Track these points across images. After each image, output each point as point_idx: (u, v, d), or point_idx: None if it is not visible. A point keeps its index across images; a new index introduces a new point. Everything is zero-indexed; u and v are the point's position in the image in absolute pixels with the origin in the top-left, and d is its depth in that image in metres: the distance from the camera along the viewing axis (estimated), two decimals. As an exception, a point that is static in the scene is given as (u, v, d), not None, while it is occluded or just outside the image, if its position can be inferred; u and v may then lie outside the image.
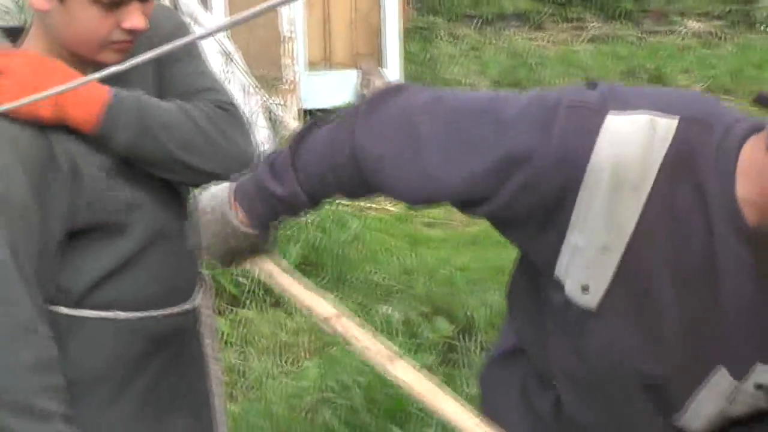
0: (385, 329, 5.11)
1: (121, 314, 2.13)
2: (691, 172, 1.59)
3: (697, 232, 1.61)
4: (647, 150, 1.55)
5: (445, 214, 7.34)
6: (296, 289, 2.05)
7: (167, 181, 2.16)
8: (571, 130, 1.60)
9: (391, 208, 7.53)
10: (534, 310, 1.85)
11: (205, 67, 2.19)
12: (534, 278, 1.81)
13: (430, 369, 4.69)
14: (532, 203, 1.62)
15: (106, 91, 1.97)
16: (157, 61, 2.12)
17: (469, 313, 5.35)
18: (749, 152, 1.56)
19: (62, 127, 1.96)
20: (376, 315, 5.37)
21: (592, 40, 13.25)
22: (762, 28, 13.92)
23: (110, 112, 1.99)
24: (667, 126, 1.56)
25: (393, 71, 9.81)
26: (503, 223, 1.73)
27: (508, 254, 6.94)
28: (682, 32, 13.43)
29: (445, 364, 4.95)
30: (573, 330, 1.74)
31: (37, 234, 1.93)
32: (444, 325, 5.27)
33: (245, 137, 2.15)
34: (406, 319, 5.34)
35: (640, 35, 13.31)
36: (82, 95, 1.96)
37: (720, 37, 13.43)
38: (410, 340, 5.11)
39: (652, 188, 1.57)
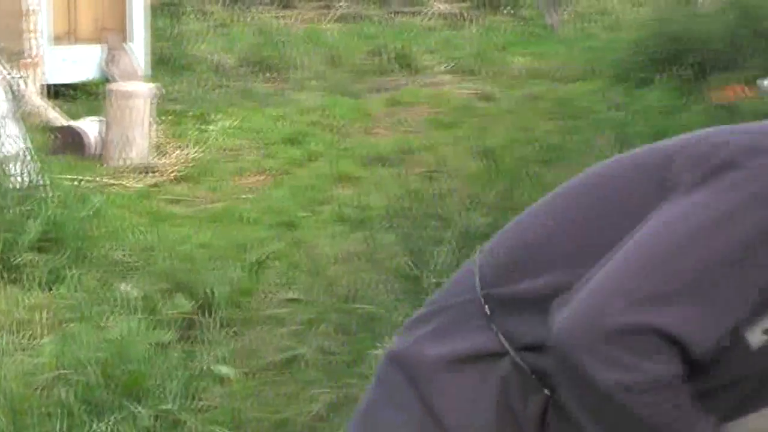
0: (125, 306, 5.24)
1: None
2: None
3: None
4: None
5: (188, 190, 7.43)
6: None
7: None
8: None
9: (133, 185, 7.50)
10: None
11: None
12: None
13: (168, 345, 4.85)
14: None
15: None
16: None
17: (209, 290, 5.44)
18: None
19: None
20: (117, 292, 5.44)
21: (339, 19, 13.50)
22: (506, 10, 14.51)
23: None
24: None
25: (139, 47, 9.81)
26: None
27: (250, 232, 6.92)
28: (429, 13, 13.87)
29: (184, 341, 5.04)
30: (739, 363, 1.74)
31: None
32: (183, 302, 5.34)
33: None
34: (146, 296, 5.38)
35: (387, 15, 13.65)
36: None
37: (465, 19, 13.88)
38: (149, 317, 5.17)
39: None
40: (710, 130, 1.86)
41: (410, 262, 5.72)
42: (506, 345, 1.79)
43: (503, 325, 1.79)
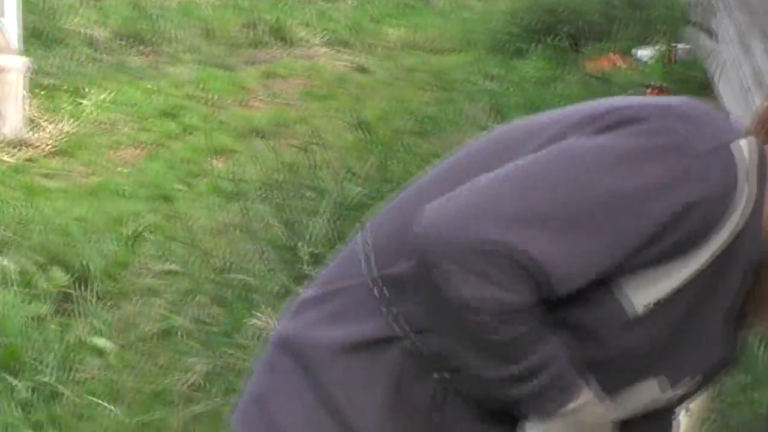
0: (0, 280, 5.19)
1: None
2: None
3: (736, 254, 1.65)
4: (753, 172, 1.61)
5: (63, 165, 7.33)
6: None
7: None
8: (721, 169, 1.59)
9: (7, 160, 7.49)
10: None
11: None
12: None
13: (45, 318, 4.84)
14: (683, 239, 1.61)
15: None
16: None
17: (85, 263, 5.41)
18: None
19: None
20: (-9, 266, 5.27)
21: (214, -9, 13.38)
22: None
23: None
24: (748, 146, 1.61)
25: (11, 21, 9.54)
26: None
27: (126, 206, 6.84)
28: (304, -14, 13.78)
29: (61, 314, 5.01)
30: (603, 332, 1.67)
31: None
32: (59, 275, 5.29)
33: None
34: (22, 270, 5.33)
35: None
36: None
37: (340, -9, 13.76)
38: (25, 290, 5.13)
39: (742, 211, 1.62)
40: (601, 99, 1.80)
41: (285, 233, 5.68)
42: (404, 327, 1.72)
43: (397, 308, 1.72)
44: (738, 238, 1.61)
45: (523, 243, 1.52)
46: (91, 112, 8.86)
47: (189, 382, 4.39)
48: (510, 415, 1.71)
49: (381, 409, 1.75)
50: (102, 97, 9.32)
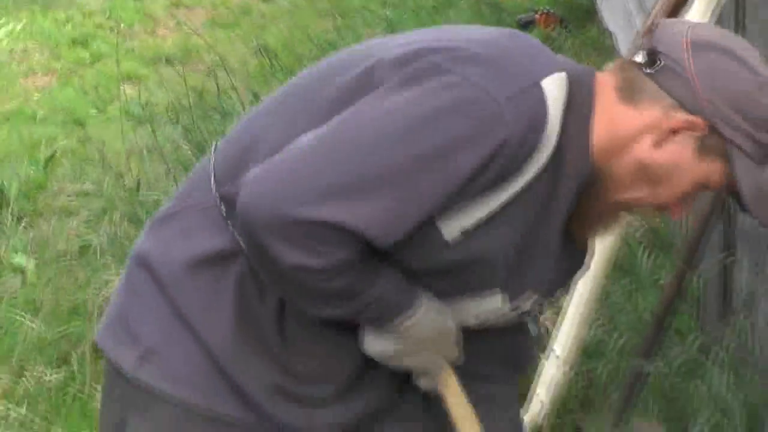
0: None
1: None
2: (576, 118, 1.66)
3: (562, 176, 1.67)
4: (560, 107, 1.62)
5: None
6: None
7: None
8: (526, 109, 1.60)
9: None
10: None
11: None
12: None
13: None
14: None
15: None
16: None
17: (1, 185, 5.48)
18: (601, 101, 1.67)
19: None
20: None
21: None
22: None
23: None
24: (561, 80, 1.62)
25: None
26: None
27: (40, 130, 6.71)
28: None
29: (-22, 234, 4.98)
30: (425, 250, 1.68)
31: None
32: (-24, 197, 5.23)
33: None
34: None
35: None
36: None
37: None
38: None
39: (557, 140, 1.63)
40: (420, 32, 1.80)
41: (194, 153, 5.66)
42: (242, 244, 1.69)
43: (233, 226, 1.70)
44: (559, 164, 1.64)
45: (338, 215, 1.54)
46: (3, 41, 8.60)
47: (104, 296, 4.40)
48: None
49: (229, 323, 1.74)
50: (13, 26, 8.99)
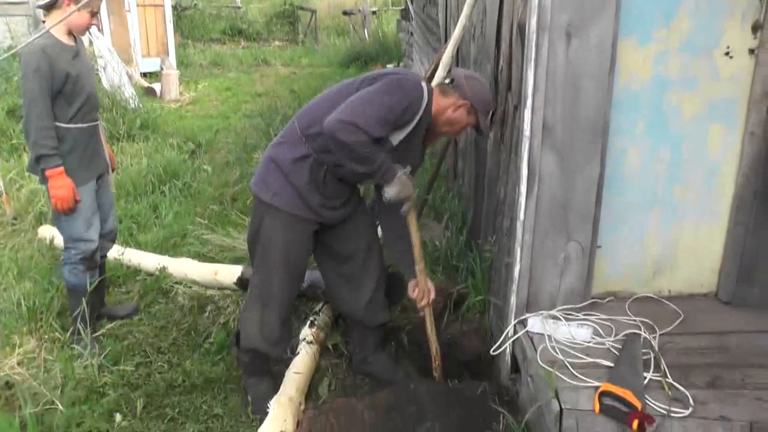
0: None
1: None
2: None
3: (423, 122, 3.32)
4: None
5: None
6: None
7: None
8: (418, 91, 3.21)
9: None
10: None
11: None
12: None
13: None
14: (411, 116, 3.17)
15: None
16: None
17: None
18: (436, 95, 3.40)
19: None
20: None
21: None
22: None
23: None
24: None
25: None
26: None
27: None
28: None
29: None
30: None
31: None
32: None
33: None
34: None
35: None
36: None
37: None
38: None
39: None
40: (381, 71, 3.35)
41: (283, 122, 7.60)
42: (313, 151, 3.34)
43: (311, 144, 3.39)
44: (422, 119, 3.33)
45: (363, 125, 3.17)
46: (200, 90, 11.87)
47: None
48: (355, 183, 3.50)
49: (305, 181, 3.52)
50: (203, 83, 12.85)
